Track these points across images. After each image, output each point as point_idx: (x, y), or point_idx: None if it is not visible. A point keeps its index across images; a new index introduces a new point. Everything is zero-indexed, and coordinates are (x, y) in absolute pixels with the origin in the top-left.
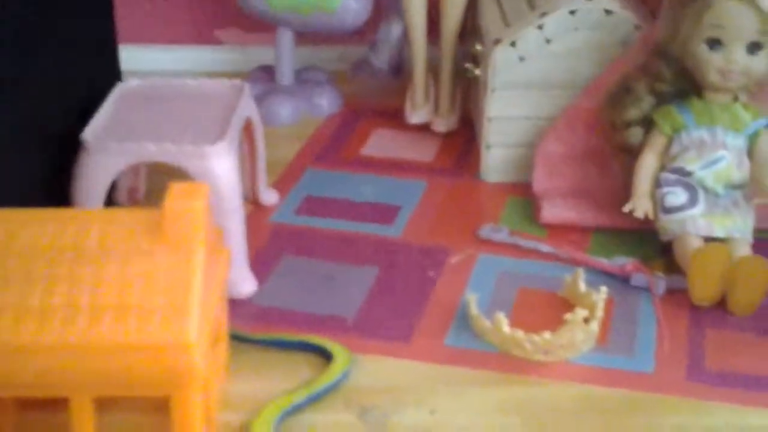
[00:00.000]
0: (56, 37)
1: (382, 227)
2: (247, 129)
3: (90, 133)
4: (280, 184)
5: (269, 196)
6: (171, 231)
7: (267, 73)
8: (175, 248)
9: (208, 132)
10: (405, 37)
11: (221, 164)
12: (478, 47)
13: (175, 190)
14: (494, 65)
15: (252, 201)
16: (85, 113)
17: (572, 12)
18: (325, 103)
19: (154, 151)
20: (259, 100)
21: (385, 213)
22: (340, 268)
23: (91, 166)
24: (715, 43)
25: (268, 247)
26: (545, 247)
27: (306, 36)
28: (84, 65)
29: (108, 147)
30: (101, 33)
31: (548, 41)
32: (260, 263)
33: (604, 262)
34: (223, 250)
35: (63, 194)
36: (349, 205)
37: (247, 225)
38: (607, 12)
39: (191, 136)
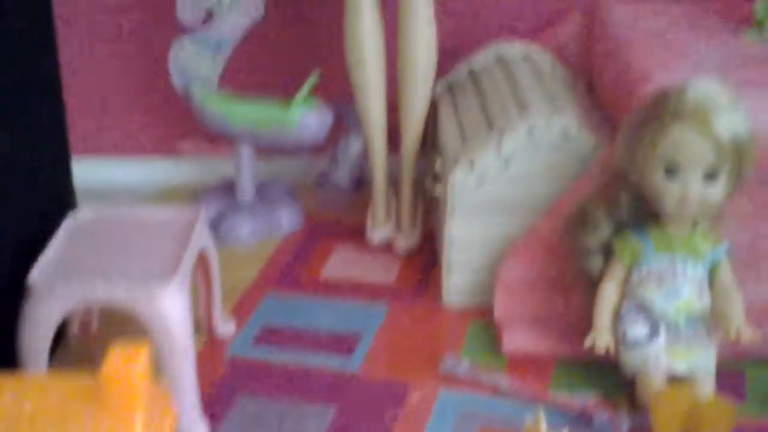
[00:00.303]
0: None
1: (341, 359)
2: (202, 258)
3: (37, 274)
4: (238, 311)
5: (225, 328)
6: (109, 398)
7: (227, 188)
8: (113, 416)
9: (159, 268)
10: (365, 152)
11: (172, 305)
12: (438, 164)
13: (114, 354)
14: (453, 187)
15: (208, 332)
16: (35, 246)
17: (530, 133)
18: (286, 220)
19: (102, 292)
20: (219, 218)
21: (344, 343)
22: (296, 409)
23: (38, 309)
24: (671, 172)
25: (223, 385)
26: (506, 383)
27: (267, 148)
28: (33, 195)
29: (54, 289)
30: (55, 155)
31: (507, 162)
32: (214, 404)
33: (566, 399)
34: (169, 413)
35: (9, 337)
36: (308, 335)
37: (203, 360)
38: (566, 133)
39: (141, 274)
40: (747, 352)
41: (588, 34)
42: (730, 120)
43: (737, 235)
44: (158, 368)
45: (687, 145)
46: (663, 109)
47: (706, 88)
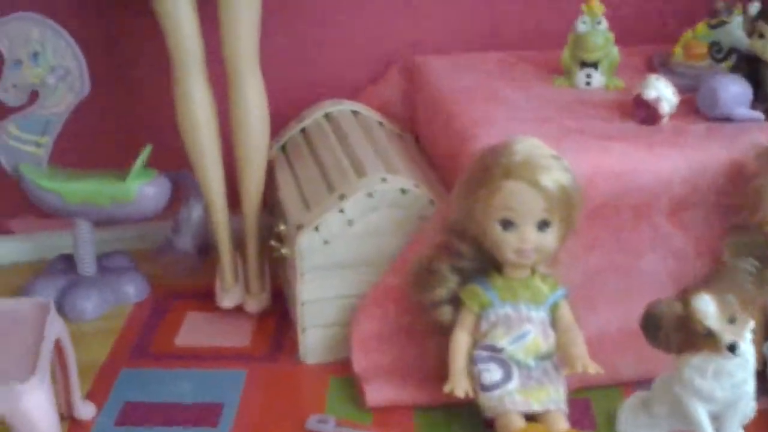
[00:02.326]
0: None
1: None
2: (57, 346)
3: None
4: (95, 392)
5: (85, 410)
6: None
7: (67, 262)
8: None
9: (17, 366)
10: (207, 216)
11: (36, 403)
12: (282, 227)
13: None
14: (300, 251)
15: (68, 417)
16: None
17: (370, 194)
18: (132, 289)
19: None
20: (62, 293)
21: (207, 414)
22: None
23: None
24: (507, 224)
25: None
26: None
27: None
28: None
29: None
30: None
31: (350, 223)
32: None
33: None
34: None
35: None
36: (170, 409)
37: None
38: (403, 191)
39: None
40: (590, 382)
41: (409, 90)
42: (557, 172)
43: (570, 270)
44: None
45: (519, 199)
46: (493, 166)
47: (531, 144)
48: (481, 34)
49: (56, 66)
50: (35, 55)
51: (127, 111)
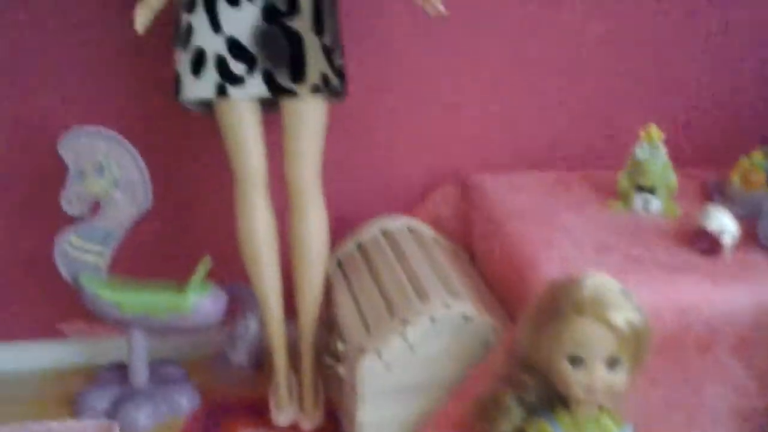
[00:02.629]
0: None
1: None
2: None
3: None
4: None
5: None
6: None
7: (119, 370)
8: None
9: None
10: (262, 330)
11: None
12: (340, 345)
13: None
14: (361, 375)
15: None
16: None
17: (433, 320)
18: (185, 401)
19: None
20: (115, 404)
21: None
22: None
23: None
24: (576, 361)
25: None
26: None
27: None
28: None
29: None
30: None
31: (412, 348)
32: None
33: None
34: None
35: None
36: None
37: None
38: (465, 318)
39: None
40: None
41: (463, 206)
42: (628, 311)
43: (632, 404)
44: None
45: (590, 337)
46: (563, 303)
47: (601, 280)
48: (536, 151)
49: (120, 179)
50: (100, 168)
51: (186, 222)
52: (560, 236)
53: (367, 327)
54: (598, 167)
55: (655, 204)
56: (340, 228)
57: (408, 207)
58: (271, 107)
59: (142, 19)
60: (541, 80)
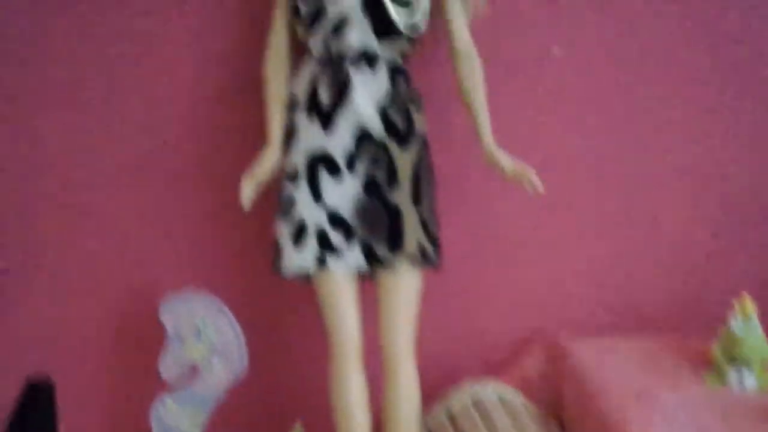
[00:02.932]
0: None
1: None
2: None
3: None
4: None
5: None
6: None
7: None
8: None
9: None
10: None
11: None
12: None
13: None
14: None
15: None
16: None
17: None
18: None
19: None
20: None
21: None
22: None
23: None
24: None
25: None
26: None
27: None
28: None
29: None
30: None
31: None
32: None
33: None
34: None
35: None
36: None
37: None
38: None
39: None
40: None
41: (551, 369)
42: None
43: None
44: None
45: None
46: None
47: None
48: (623, 312)
49: (216, 342)
50: (198, 332)
51: (279, 388)
52: (656, 416)
53: None
54: (688, 330)
55: (751, 380)
56: (427, 390)
57: (494, 366)
58: (366, 274)
59: (248, 192)
60: (626, 237)
